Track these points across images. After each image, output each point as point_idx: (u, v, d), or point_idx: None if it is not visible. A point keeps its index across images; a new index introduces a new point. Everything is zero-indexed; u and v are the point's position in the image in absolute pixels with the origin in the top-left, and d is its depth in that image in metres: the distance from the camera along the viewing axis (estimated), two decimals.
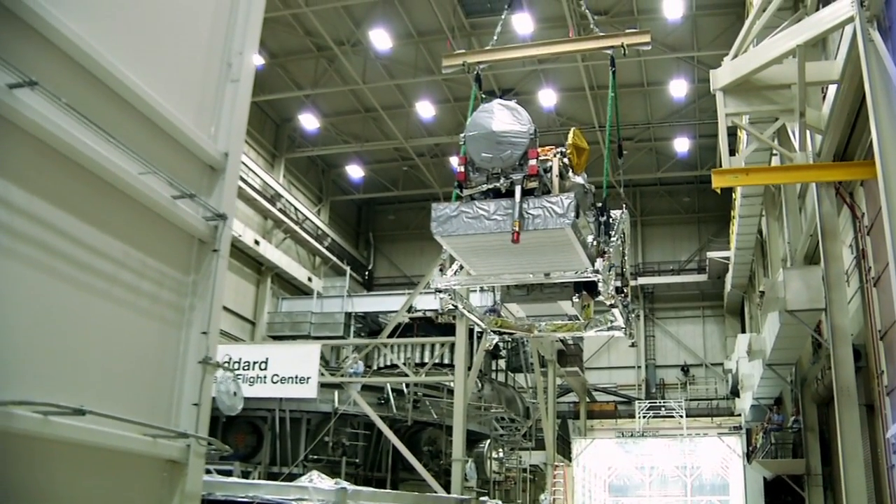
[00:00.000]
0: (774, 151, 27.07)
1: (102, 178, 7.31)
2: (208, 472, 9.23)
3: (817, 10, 23.10)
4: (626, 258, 16.71)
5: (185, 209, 8.35)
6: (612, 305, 15.32)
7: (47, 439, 6.51)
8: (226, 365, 12.10)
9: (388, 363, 36.24)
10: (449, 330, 33.41)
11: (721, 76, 21.45)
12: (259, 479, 30.25)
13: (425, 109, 53.61)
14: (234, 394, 11.46)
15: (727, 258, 52.04)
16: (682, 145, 57.59)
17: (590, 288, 14.96)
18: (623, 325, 16.51)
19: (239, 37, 9.63)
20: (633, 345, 57.02)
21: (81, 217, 7.15)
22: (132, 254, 7.81)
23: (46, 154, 6.68)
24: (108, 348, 7.50)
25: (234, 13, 9.67)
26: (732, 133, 24.45)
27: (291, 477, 29.37)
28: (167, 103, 8.14)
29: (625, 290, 16.14)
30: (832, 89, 21.05)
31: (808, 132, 22.83)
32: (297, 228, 56.76)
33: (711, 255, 57.17)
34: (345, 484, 23.30)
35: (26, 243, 6.51)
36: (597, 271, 13.99)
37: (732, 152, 27.55)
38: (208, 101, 9.17)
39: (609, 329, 16.71)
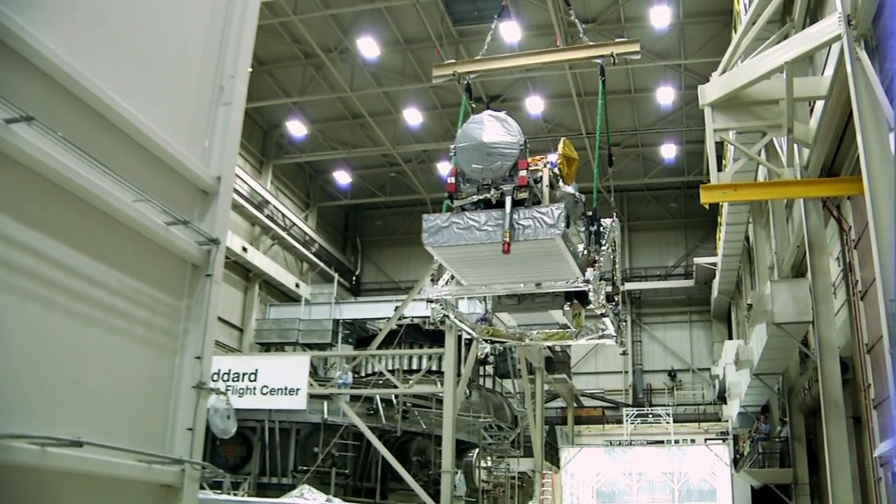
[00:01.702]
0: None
1: (97, 208, 7.34)
2: (200, 486, 9.26)
3: (805, 24, 23.24)
4: (616, 267, 16.70)
5: (178, 235, 8.37)
6: (602, 314, 15.33)
7: (45, 470, 6.56)
8: (219, 390, 12.12)
9: (376, 371, 36.24)
10: (437, 336, 33.67)
11: (709, 92, 21.58)
12: (249, 489, 30.38)
13: (413, 116, 53.64)
14: (228, 417, 11.49)
15: (714, 264, 52.34)
16: (668, 151, 57.72)
17: (581, 297, 14.91)
18: (614, 334, 16.46)
19: (231, 60, 9.64)
20: (624, 352, 57.05)
21: (76, 247, 7.18)
22: (126, 281, 7.83)
23: (42, 186, 6.72)
24: (103, 377, 7.53)
25: (225, 37, 9.67)
26: (720, 140, 24.52)
27: (281, 488, 29.46)
28: (160, 129, 8.16)
29: (615, 299, 16.12)
30: (819, 104, 21.19)
31: (795, 145, 22.92)
32: (284, 235, 56.75)
33: (698, 260, 57.51)
34: (336, 501, 23.35)
35: (23, 275, 6.54)
36: (587, 281, 13.94)
37: (720, 162, 27.61)
38: (200, 126, 9.18)
39: (600, 337, 16.67)
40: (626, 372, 64.55)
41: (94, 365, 7.42)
